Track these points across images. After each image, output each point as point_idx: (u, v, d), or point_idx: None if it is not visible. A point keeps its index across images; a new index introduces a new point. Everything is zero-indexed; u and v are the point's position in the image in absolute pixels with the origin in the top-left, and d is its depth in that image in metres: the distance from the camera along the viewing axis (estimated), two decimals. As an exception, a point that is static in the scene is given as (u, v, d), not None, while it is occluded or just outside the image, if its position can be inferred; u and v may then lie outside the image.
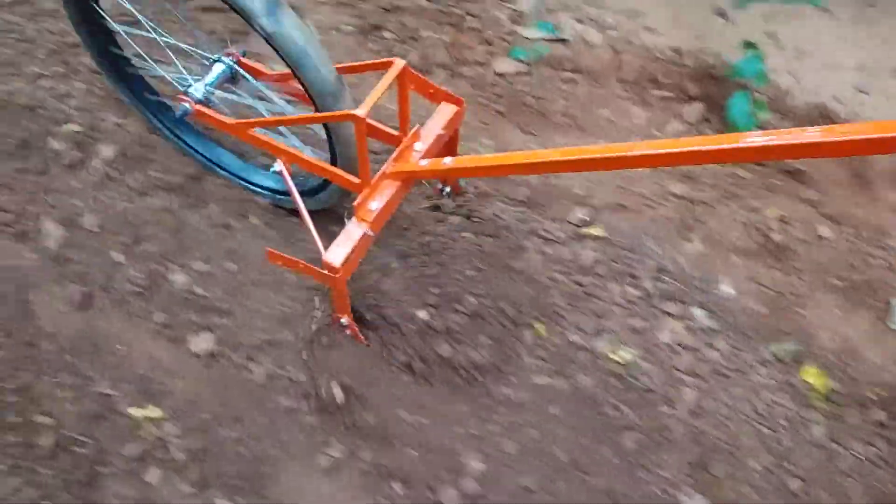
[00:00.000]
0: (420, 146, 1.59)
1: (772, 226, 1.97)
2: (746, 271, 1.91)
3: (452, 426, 1.67)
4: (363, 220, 1.51)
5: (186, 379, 1.72)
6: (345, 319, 1.66)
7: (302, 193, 1.80)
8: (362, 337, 1.72)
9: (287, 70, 1.47)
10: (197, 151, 1.94)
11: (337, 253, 1.47)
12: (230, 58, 1.69)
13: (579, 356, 1.75)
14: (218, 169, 1.95)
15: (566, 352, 1.76)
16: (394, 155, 1.55)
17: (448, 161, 1.45)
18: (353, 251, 1.49)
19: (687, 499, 1.61)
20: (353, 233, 1.50)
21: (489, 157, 1.41)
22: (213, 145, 1.96)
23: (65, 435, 1.64)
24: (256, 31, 1.38)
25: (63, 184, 1.96)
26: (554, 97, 2.20)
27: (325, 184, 1.74)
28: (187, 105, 1.64)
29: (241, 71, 1.68)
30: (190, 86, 1.65)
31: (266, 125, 1.55)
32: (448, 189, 1.90)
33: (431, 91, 1.66)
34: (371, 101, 1.34)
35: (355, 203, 1.50)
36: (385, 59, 1.41)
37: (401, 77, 1.43)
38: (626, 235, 1.93)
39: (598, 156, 1.22)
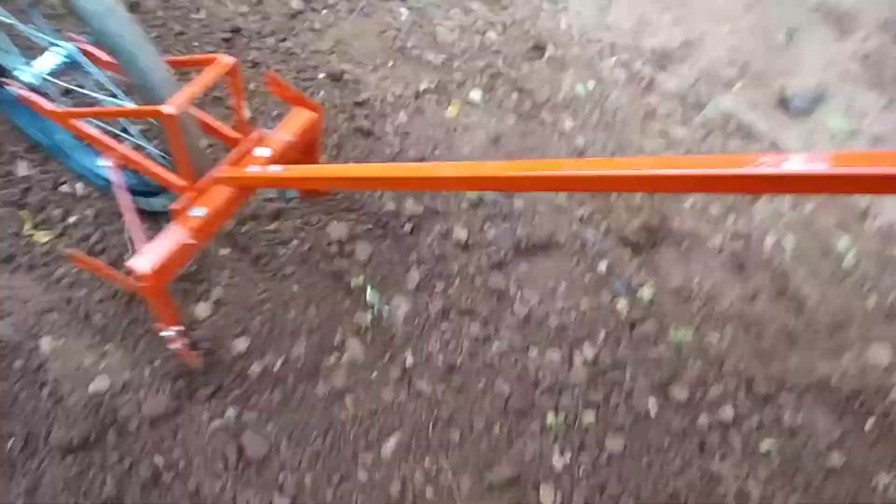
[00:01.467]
0: (263, 152, 1.49)
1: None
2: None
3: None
4: (184, 226, 1.40)
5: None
6: (168, 332, 1.52)
7: (145, 194, 1.70)
8: (194, 354, 1.59)
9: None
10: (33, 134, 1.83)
11: (144, 259, 1.34)
12: (73, 44, 1.57)
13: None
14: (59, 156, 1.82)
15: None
16: (228, 157, 1.45)
17: (276, 169, 1.35)
18: (167, 259, 1.36)
19: None
20: (169, 239, 1.38)
21: (321, 168, 1.32)
22: (53, 130, 1.83)
23: None
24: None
25: None
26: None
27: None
28: (12, 88, 1.52)
29: (81, 59, 1.56)
30: (20, 70, 1.53)
31: (82, 116, 1.43)
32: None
33: (290, 94, 1.57)
34: (184, 97, 1.24)
35: (173, 205, 1.38)
36: (211, 55, 1.32)
37: (232, 76, 1.34)
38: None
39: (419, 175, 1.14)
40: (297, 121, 1.56)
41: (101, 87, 1.57)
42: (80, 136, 1.50)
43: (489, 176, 1.03)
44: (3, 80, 1.53)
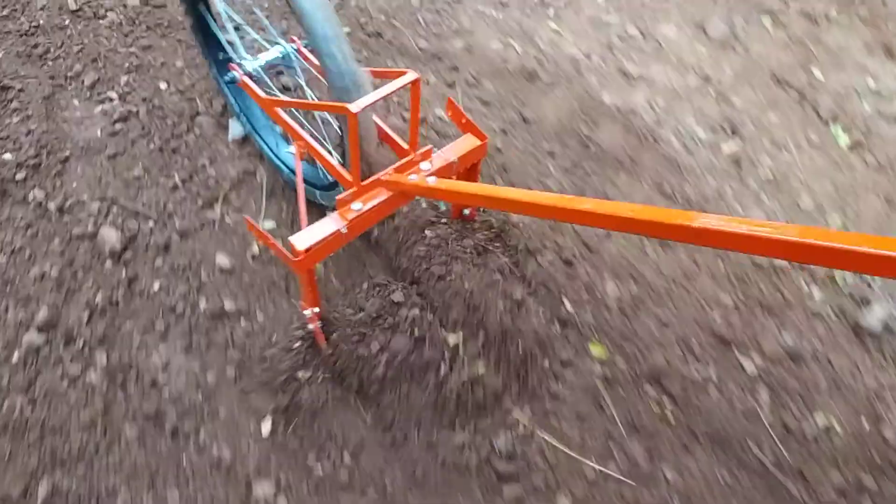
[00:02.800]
0: (427, 166, 1.60)
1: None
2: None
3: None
4: (342, 216, 1.53)
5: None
6: (308, 311, 1.66)
7: (322, 188, 1.87)
8: (323, 337, 1.71)
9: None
10: (242, 113, 2.07)
11: (304, 237, 1.49)
12: (291, 45, 1.80)
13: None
14: (256, 136, 2.06)
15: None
16: (395, 165, 1.57)
17: (432, 181, 1.44)
18: (321, 241, 1.50)
19: None
20: (327, 225, 1.52)
21: (468, 185, 1.39)
22: (258, 115, 2.08)
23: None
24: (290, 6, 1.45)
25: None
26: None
27: (336, 184, 1.79)
28: (236, 73, 1.76)
29: (295, 56, 1.78)
30: (244, 59, 1.77)
31: (284, 105, 1.63)
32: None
33: (462, 120, 1.68)
34: (368, 100, 1.38)
35: (339, 197, 1.52)
36: (401, 70, 1.45)
37: (413, 90, 1.46)
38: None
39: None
40: (464, 145, 1.66)
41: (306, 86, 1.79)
42: (279, 123, 1.69)
43: (643, 220, 1.03)
44: (231, 65, 1.77)
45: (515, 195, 1.24)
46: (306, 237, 1.49)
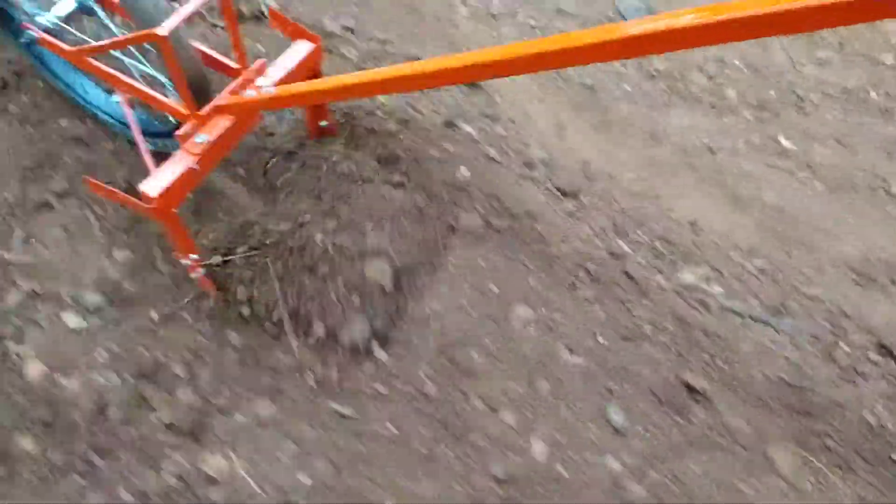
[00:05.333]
0: (265, 81, 1.54)
1: None
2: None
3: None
4: (189, 152, 1.46)
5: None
6: (186, 260, 1.60)
7: (154, 135, 1.78)
8: (210, 283, 1.66)
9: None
10: (59, 79, 1.92)
11: (153, 183, 1.42)
12: (85, -7, 1.65)
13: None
14: (74, 96, 1.92)
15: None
16: (229, 87, 1.50)
17: (270, 89, 1.39)
18: (174, 183, 1.43)
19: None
20: (176, 164, 1.45)
21: (312, 83, 1.35)
22: (74, 73, 1.93)
23: None
24: None
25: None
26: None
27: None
28: (32, 33, 1.61)
29: (94, 4, 1.64)
30: (38, 15, 1.62)
31: (92, 52, 1.51)
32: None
33: (290, 28, 1.61)
34: (175, 20, 1.30)
35: (179, 132, 1.45)
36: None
37: (223, 2, 1.38)
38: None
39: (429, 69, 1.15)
40: (298, 51, 1.60)
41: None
42: (95, 73, 1.58)
43: (474, 63, 1.03)
44: (25, 24, 1.62)
45: (372, 76, 1.21)
46: (157, 182, 1.42)
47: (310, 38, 1.61)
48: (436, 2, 2.24)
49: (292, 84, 1.38)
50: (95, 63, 1.56)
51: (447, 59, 1.07)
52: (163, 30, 1.28)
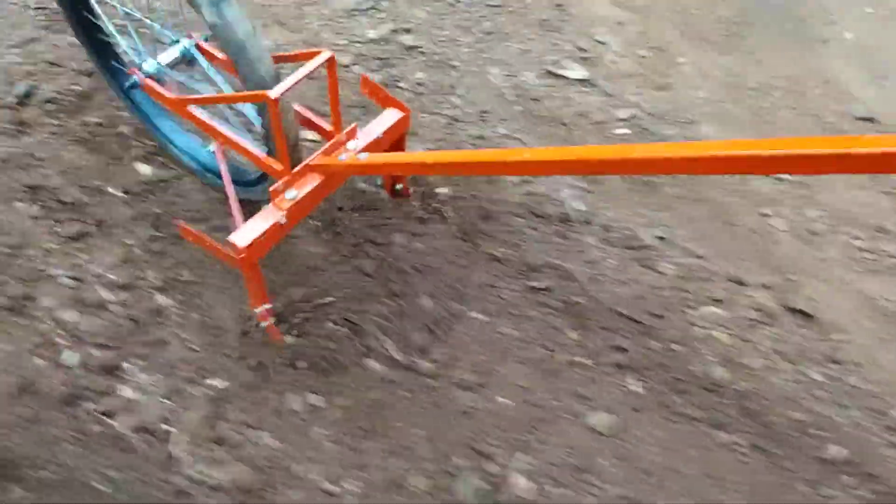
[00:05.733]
0: (354, 144, 1.59)
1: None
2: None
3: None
4: (278, 207, 1.51)
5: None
6: (259, 309, 1.63)
7: (243, 183, 1.83)
8: (278, 333, 1.69)
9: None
10: (149, 121, 2.00)
11: (243, 234, 1.46)
12: (190, 40, 1.73)
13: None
14: (168, 144, 1.99)
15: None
16: (322, 148, 1.55)
17: (364, 157, 1.44)
18: (262, 235, 1.48)
19: None
20: (265, 218, 1.49)
21: (402, 155, 1.40)
22: (165, 118, 2.00)
23: None
24: (203, 19, 1.40)
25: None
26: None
27: (264, 177, 1.75)
28: (136, 77, 1.69)
29: (197, 54, 1.72)
30: (144, 61, 1.70)
31: (197, 102, 1.57)
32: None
33: (381, 96, 1.67)
34: (286, 85, 1.35)
35: (272, 188, 1.50)
36: (313, 50, 1.42)
37: (329, 69, 1.44)
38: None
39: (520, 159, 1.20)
40: (387, 119, 1.66)
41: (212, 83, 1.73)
42: (194, 122, 1.64)
43: (573, 160, 1.07)
44: (132, 70, 1.69)
45: (456, 157, 1.26)
46: (246, 233, 1.47)
47: (400, 108, 1.67)
48: (749, 214, 2.07)
49: (388, 154, 1.43)
50: (196, 113, 1.62)
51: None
52: (275, 92, 1.33)
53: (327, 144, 1.56)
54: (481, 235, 1.89)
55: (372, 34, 2.45)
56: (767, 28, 2.58)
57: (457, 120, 2.18)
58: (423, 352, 1.70)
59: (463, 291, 1.78)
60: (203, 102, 1.57)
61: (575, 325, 1.75)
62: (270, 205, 1.51)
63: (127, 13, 1.71)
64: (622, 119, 2.21)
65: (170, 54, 1.71)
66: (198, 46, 1.72)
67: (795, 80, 2.41)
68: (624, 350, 1.72)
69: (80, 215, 1.89)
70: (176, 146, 1.96)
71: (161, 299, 1.76)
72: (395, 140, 1.68)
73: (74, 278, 1.77)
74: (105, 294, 1.75)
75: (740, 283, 1.89)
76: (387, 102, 1.67)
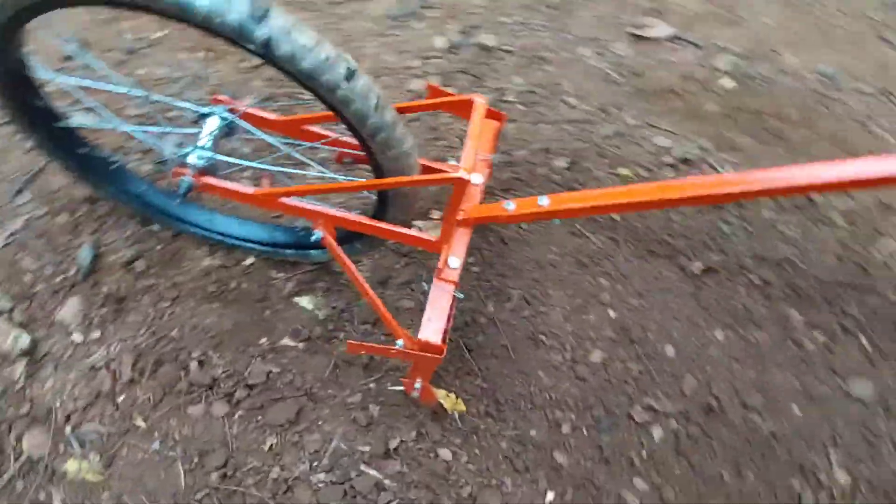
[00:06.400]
0: (478, 179, 1.41)
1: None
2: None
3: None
4: (447, 280, 1.32)
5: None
6: (418, 384, 1.46)
7: (301, 247, 1.59)
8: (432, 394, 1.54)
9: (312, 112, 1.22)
10: (199, 227, 1.64)
11: (433, 328, 1.27)
12: (222, 106, 1.36)
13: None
14: (214, 236, 1.65)
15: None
16: (466, 199, 1.34)
17: (545, 202, 1.27)
18: (448, 320, 1.29)
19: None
20: (441, 299, 1.30)
21: (594, 194, 1.24)
22: (194, 209, 1.64)
23: None
24: (250, 50, 1.00)
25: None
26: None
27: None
28: (188, 178, 1.32)
29: (241, 123, 1.36)
30: (186, 153, 1.32)
31: (313, 193, 1.26)
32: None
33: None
34: (470, 159, 1.14)
35: (439, 265, 1.30)
36: (459, 97, 1.19)
37: (477, 114, 1.22)
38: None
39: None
40: (487, 133, 1.47)
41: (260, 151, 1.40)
42: (294, 214, 1.34)
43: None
44: (177, 171, 1.31)
45: (668, 189, 1.15)
46: (436, 325, 1.28)
47: (496, 116, 1.48)
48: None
49: (575, 194, 1.26)
50: (292, 202, 1.32)
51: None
52: (466, 174, 1.12)
53: (454, 191, 1.35)
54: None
55: (440, 42, 2.10)
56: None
57: (581, 122, 1.97)
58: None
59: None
60: (309, 192, 1.26)
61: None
62: (437, 282, 1.32)
63: (143, 97, 1.31)
64: (722, 70, 2.13)
65: (208, 129, 1.35)
66: (237, 112, 1.36)
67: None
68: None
69: (278, 393, 1.52)
70: (232, 236, 1.63)
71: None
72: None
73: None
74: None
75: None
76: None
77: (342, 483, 1.43)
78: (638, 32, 2.21)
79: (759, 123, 2.02)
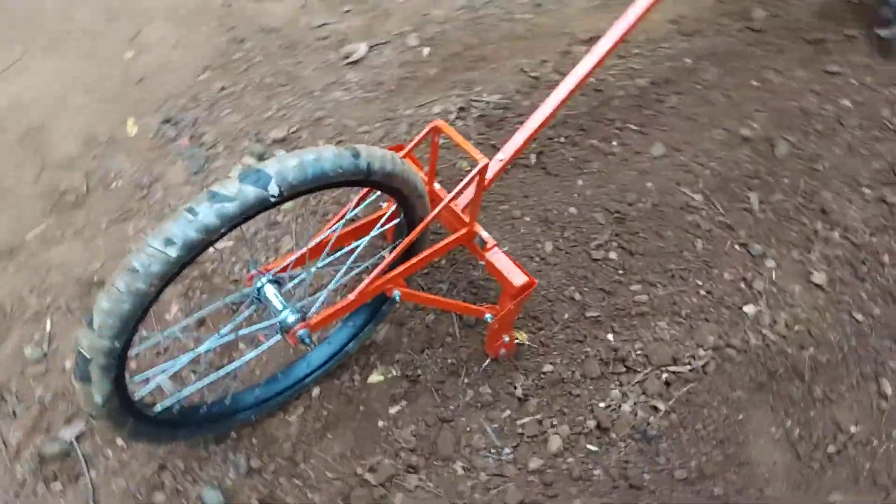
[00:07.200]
0: (487, 234, 1.76)
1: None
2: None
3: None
4: (493, 246, 1.76)
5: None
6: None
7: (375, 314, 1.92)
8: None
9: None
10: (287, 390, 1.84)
11: (517, 273, 1.71)
12: (263, 277, 1.55)
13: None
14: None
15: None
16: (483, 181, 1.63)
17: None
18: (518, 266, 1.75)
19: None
20: (502, 259, 1.73)
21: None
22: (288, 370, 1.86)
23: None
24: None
25: None
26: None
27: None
28: (302, 330, 1.52)
29: (285, 275, 1.59)
30: (282, 321, 1.51)
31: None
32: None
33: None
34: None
35: (484, 243, 1.75)
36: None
37: (480, 174, 1.57)
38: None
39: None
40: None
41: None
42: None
43: None
44: (290, 334, 1.51)
45: None
46: (517, 272, 1.71)
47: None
48: None
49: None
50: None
51: None
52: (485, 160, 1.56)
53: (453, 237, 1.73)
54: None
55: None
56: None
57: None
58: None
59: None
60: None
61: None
62: (489, 254, 1.74)
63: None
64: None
65: (273, 300, 1.53)
66: (268, 271, 1.57)
67: None
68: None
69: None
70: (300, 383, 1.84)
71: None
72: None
73: None
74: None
75: None
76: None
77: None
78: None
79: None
